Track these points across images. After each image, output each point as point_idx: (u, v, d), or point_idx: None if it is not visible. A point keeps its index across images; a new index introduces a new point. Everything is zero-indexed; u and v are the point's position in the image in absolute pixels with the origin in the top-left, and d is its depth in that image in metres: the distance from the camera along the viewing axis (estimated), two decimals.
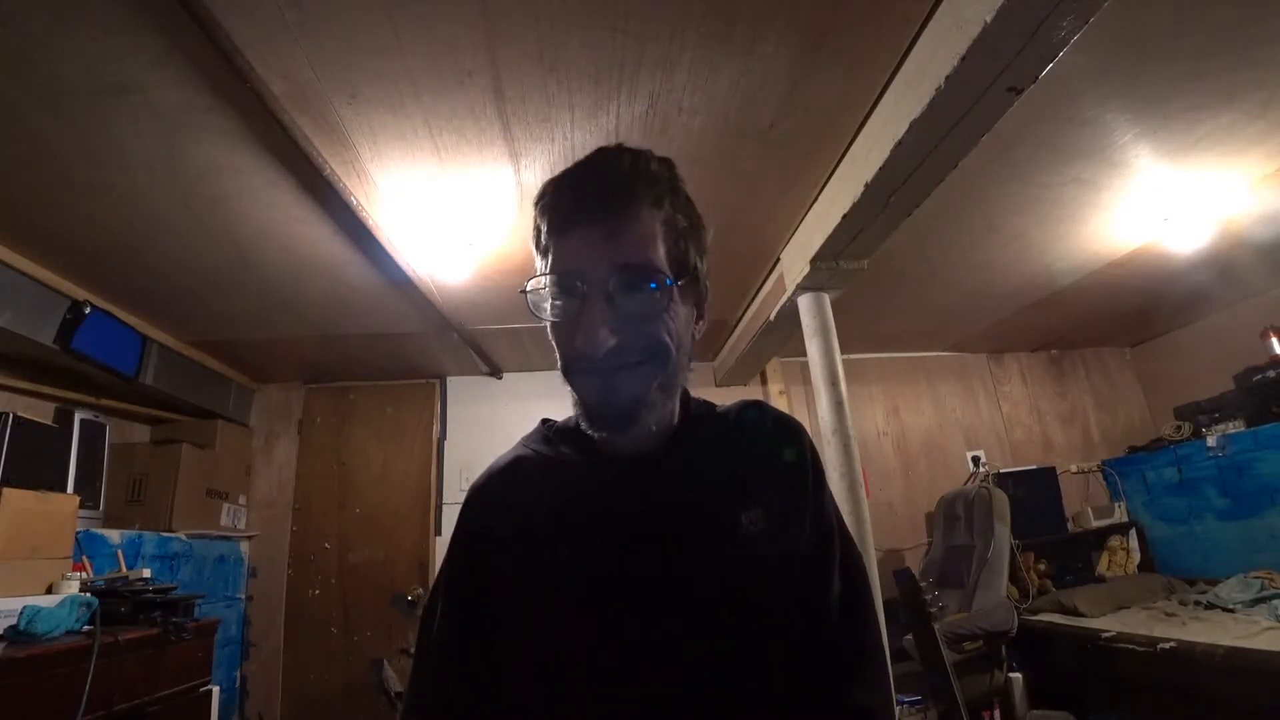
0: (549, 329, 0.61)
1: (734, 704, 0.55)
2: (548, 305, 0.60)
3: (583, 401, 0.60)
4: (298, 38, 1.40)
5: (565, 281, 0.58)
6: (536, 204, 0.63)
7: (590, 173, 0.59)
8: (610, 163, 0.60)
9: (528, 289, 0.60)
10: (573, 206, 0.58)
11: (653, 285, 0.57)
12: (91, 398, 2.61)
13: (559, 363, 0.61)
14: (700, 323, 0.65)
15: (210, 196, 1.94)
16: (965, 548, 3.15)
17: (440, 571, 0.68)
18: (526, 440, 0.72)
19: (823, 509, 0.66)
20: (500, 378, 3.76)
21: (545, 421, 0.73)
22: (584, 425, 0.60)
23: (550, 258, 0.60)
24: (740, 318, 3.23)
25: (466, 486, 0.70)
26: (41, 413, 2.39)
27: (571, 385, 0.60)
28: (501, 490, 0.67)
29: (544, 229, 0.61)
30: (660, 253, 0.58)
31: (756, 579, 0.59)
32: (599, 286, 0.56)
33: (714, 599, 0.58)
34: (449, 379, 3.76)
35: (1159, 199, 2.40)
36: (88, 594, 1.86)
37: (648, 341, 0.58)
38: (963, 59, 1.29)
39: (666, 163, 0.62)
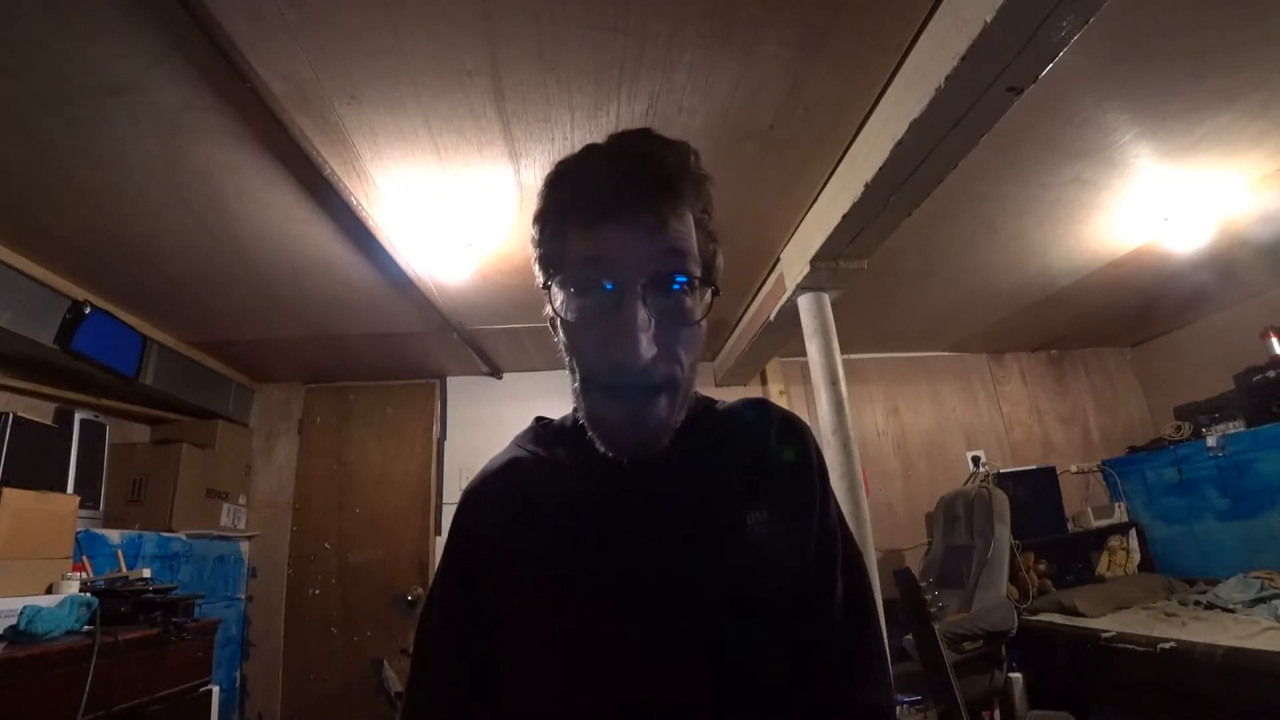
0: (560, 328, 0.58)
1: (739, 705, 0.55)
2: (562, 300, 0.56)
3: (603, 422, 0.56)
4: (298, 38, 1.40)
5: (592, 275, 0.54)
6: (554, 184, 0.58)
7: (634, 162, 0.55)
8: (655, 154, 0.55)
9: (550, 281, 0.57)
10: (612, 197, 0.53)
11: (688, 293, 0.55)
12: (91, 398, 2.61)
13: (577, 373, 0.57)
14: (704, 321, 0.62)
15: (210, 196, 1.94)
16: (965, 548, 3.15)
17: (436, 575, 0.66)
18: (520, 440, 0.69)
19: (827, 509, 0.64)
20: (500, 378, 3.76)
21: (539, 420, 0.71)
22: (601, 447, 0.57)
23: (570, 247, 0.56)
24: (740, 318, 3.23)
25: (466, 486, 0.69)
26: (41, 413, 2.39)
27: (588, 403, 0.57)
28: (498, 492, 0.65)
29: (565, 214, 0.57)
30: (695, 255, 0.56)
31: (762, 579, 0.58)
32: (636, 287, 0.53)
33: (719, 600, 0.57)
34: (449, 379, 3.76)
35: (1159, 199, 2.40)
36: (88, 594, 1.86)
37: (677, 357, 0.55)
38: (963, 59, 1.29)
39: (699, 157, 0.59)
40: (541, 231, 0.60)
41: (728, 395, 0.73)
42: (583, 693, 0.56)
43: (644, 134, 0.57)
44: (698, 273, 0.56)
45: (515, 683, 0.59)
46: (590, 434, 0.58)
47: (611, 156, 0.56)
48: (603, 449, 0.57)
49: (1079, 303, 3.37)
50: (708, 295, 0.59)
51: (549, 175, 0.60)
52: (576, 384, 0.58)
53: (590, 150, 0.58)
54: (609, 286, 0.53)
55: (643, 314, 0.52)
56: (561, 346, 0.59)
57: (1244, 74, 1.73)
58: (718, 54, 1.54)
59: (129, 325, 2.55)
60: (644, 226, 0.53)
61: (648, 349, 0.52)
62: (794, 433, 0.66)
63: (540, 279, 0.60)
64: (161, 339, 2.80)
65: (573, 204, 0.57)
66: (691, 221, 0.56)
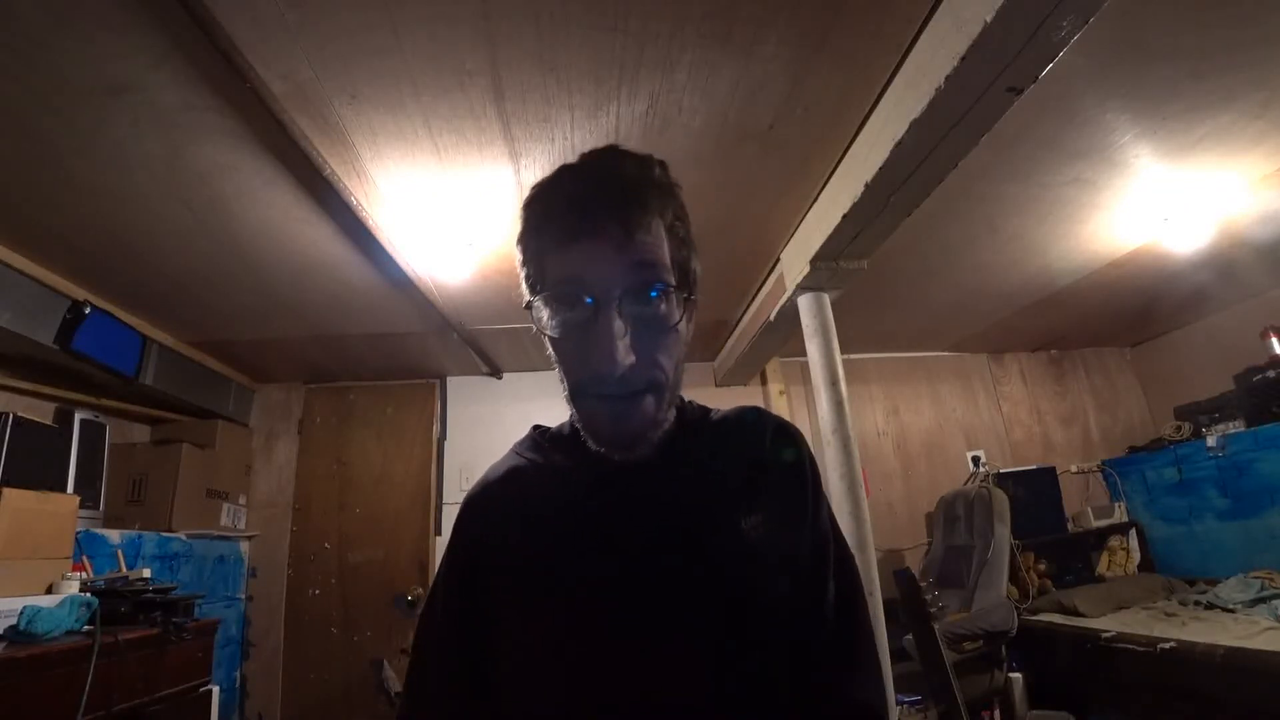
0: (549, 344, 0.60)
1: (735, 704, 0.55)
2: (546, 318, 0.59)
3: (592, 426, 0.59)
4: (297, 38, 1.40)
5: (569, 293, 0.56)
6: (529, 207, 0.61)
7: (598, 181, 0.58)
8: (618, 170, 0.58)
9: (531, 302, 0.59)
10: (580, 216, 0.56)
11: (663, 300, 0.57)
12: (91, 398, 2.61)
13: (565, 384, 0.60)
14: (690, 324, 0.63)
15: (210, 196, 1.94)
16: (965, 548, 3.15)
17: (436, 580, 0.68)
18: (519, 448, 0.72)
19: (819, 514, 0.66)
20: (500, 378, 3.76)
21: (536, 428, 0.73)
22: (591, 445, 0.60)
23: (547, 268, 0.59)
24: (740, 318, 3.23)
25: (467, 487, 0.71)
26: (41, 413, 2.39)
27: (578, 408, 0.60)
28: (498, 498, 0.67)
29: (540, 236, 0.60)
30: (668, 264, 0.58)
31: (757, 581, 0.59)
32: (611, 300, 0.55)
33: (714, 601, 0.57)
34: (449, 379, 3.76)
35: (1159, 199, 2.40)
36: (88, 594, 1.86)
37: (657, 363, 0.57)
38: (963, 59, 1.29)
39: (665, 167, 0.61)
40: (524, 253, 0.63)
41: (728, 395, 0.73)
42: (581, 692, 0.57)
43: (609, 151, 0.60)
44: (671, 280, 0.58)
45: (514, 682, 0.59)
46: (583, 434, 0.61)
47: (578, 176, 0.59)
48: (594, 447, 0.60)
49: (1079, 303, 3.37)
50: (685, 300, 0.60)
51: (525, 199, 0.62)
52: (566, 393, 0.61)
53: (561, 172, 0.60)
54: (588, 301, 0.55)
55: (618, 324, 0.55)
56: (552, 358, 0.61)
57: (1244, 74, 1.73)
58: (718, 54, 1.53)
59: (129, 325, 2.55)
60: (612, 241, 0.55)
61: (625, 356, 0.54)
62: (787, 438, 0.68)
63: (525, 298, 0.62)
64: (161, 339, 2.80)
65: (545, 226, 0.59)
66: (661, 231, 0.58)
